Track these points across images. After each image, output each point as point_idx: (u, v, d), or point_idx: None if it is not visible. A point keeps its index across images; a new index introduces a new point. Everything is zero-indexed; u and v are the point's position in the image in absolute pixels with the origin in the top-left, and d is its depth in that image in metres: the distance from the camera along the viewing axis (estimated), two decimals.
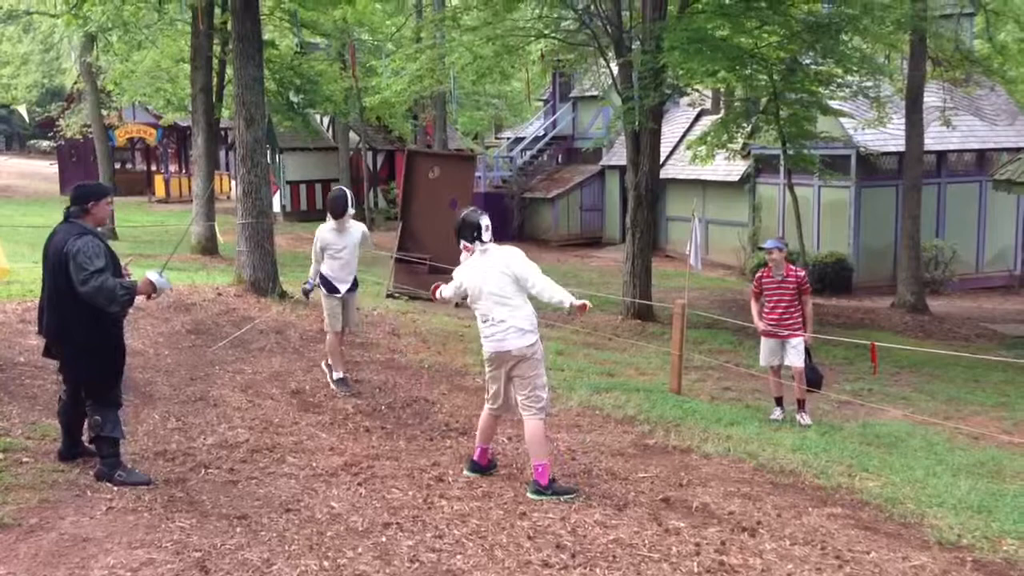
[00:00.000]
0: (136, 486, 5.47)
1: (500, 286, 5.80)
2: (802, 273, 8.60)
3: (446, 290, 6.24)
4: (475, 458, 6.17)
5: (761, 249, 9.08)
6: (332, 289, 8.41)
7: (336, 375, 8.41)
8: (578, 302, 5.91)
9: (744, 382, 10.36)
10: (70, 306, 5.45)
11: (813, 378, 8.52)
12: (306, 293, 8.74)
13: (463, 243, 5.92)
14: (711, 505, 5.64)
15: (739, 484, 6.14)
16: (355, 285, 8.54)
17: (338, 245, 8.32)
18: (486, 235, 5.88)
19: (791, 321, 8.41)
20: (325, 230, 8.36)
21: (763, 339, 8.62)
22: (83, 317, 5.46)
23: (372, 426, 7.24)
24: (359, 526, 5.10)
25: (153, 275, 5.59)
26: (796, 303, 8.45)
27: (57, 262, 5.44)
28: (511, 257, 5.86)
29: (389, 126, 29.46)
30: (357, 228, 8.50)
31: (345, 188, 8.71)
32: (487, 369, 6.02)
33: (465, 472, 6.12)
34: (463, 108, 31.79)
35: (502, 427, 7.12)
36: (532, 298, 5.92)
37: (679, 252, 23.12)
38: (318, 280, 8.48)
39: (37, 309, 5.84)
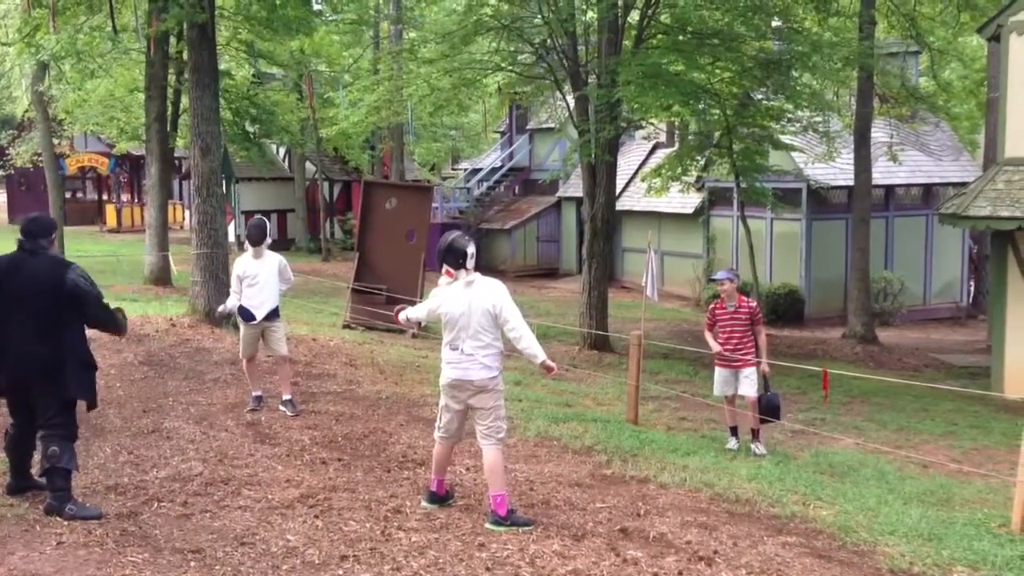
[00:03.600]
0: (87, 520, 5.37)
1: (481, 322, 5.77)
2: (754, 304, 8.74)
3: (415, 312, 6.22)
4: (432, 489, 6.14)
5: (713, 280, 9.22)
6: (248, 316, 8.52)
7: (253, 393, 8.66)
8: (550, 362, 5.97)
9: (700, 412, 10.45)
10: (66, 331, 5.55)
11: (772, 407, 8.61)
12: (220, 315, 9.05)
13: (446, 268, 5.85)
14: (668, 535, 5.67)
15: (696, 514, 6.18)
16: (276, 313, 8.62)
17: (253, 271, 8.48)
18: (470, 263, 5.85)
19: (744, 352, 8.52)
20: (243, 258, 8.61)
21: (717, 369, 8.73)
22: (79, 336, 5.62)
23: (329, 458, 7.17)
24: (315, 559, 5.04)
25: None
26: (749, 334, 8.57)
27: (52, 294, 5.49)
28: (498, 295, 5.83)
29: (346, 157, 29.45)
30: (274, 258, 8.68)
31: (264, 218, 8.96)
32: (444, 396, 5.98)
33: (423, 503, 6.09)
34: (420, 139, 31.94)
35: (460, 458, 7.11)
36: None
37: (635, 283, 23.31)
38: (235, 309, 8.59)
39: None
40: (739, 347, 8.53)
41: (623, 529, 5.75)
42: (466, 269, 5.84)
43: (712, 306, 8.85)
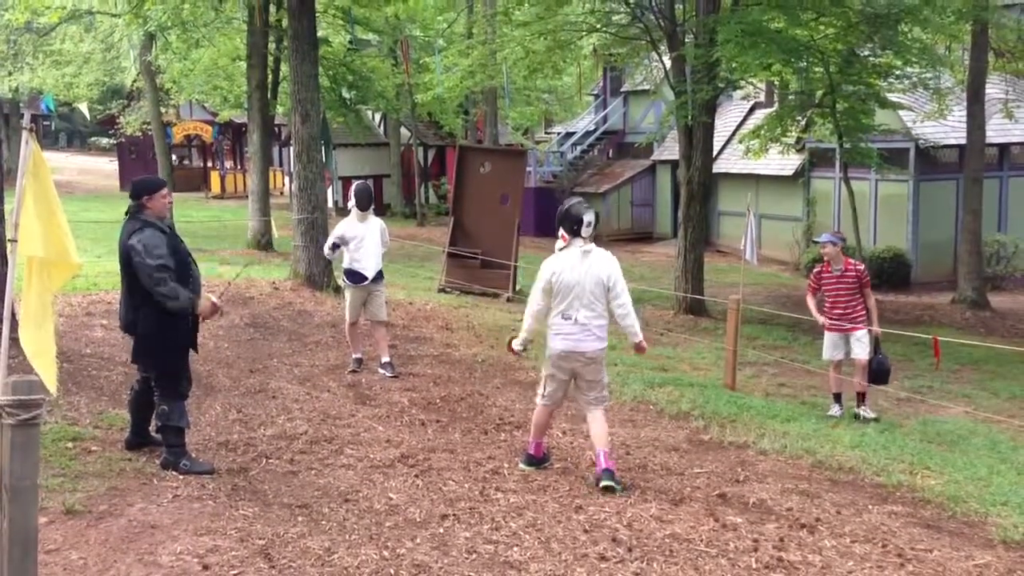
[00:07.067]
0: (200, 475, 5.60)
1: (595, 292, 5.74)
2: (861, 266, 8.49)
3: (530, 322, 5.93)
4: (530, 452, 6.18)
5: (817, 243, 9.00)
6: (358, 279, 8.64)
7: (354, 355, 8.83)
8: (644, 343, 6.00)
9: (799, 378, 10.25)
10: (135, 298, 5.63)
11: (882, 370, 8.41)
12: (330, 252, 8.82)
13: (561, 232, 5.82)
14: (768, 501, 5.59)
15: (797, 481, 6.08)
16: (381, 276, 8.79)
17: (360, 234, 8.63)
18: (586, 231, 5.77)
19: (854, 314, 8.33)
20: (348, 222, 8.74)
21: (827, 333, 8.53)
22: (146, 309, 5.61)
23: (427, 419, 7.30)
24: (417, 517, 5.15)
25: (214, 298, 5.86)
26: (857, 296, 8.36)
27: (122, 256, 5.64)
28: (612, 267, 5.81)
29: (440, 122, 29.60)
30: (376, 222, 8.84)
31: (369, 183, 9.03)
32: (550, 366, 5.94)
33: (521, 466, 6.14)
34: (514, 103, 31.80)
35: (556, 421, 7.14)
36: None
37: (731, 247, 22.90)
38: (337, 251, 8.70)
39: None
40: (847, 311, 8.34)
41: (722, 495, 5.70)
42: (581, 237, 5.76)
43: (817, 269, 8.64)
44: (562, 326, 5.80)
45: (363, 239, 8.61)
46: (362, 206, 8.65)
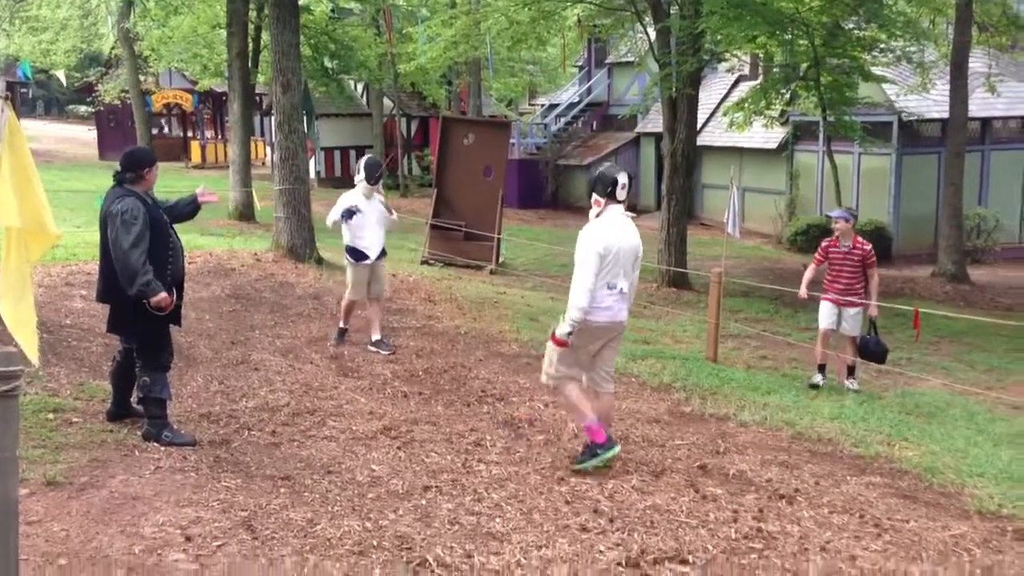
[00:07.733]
0: (182, 447, 5.59)
1: (632, 260, 5.57)
2: (868, 246, 8.54)
3: (589, 280, 5.38)
4: (595, 439, 5.55)
5: (829, 217, 9.05)
6: (362, 256, 8.49)
7: (340, 325, 8.71)
8: None
9: (781, 351, 10.32)
10: (112, 267, 5.57)
11: (872, 352, 8.49)
12: (346, 214, 8.33)
13: (595, 198, 5.51)
14: (748, 472, 5.65)
15: (776, 452, 6.14)
16: (384, 252, 8.65)
17: (366, 210, 8.41)
18: (621, 193, 5.46)
19: (853, 293, 8.41)
20: (355, 196, 8.44)
21: (823, 302, 8.62)
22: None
23: (410, 391, 7.31)
24: (399, 489, 5.17)
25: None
26: (860, 274, 8.44)
27: (104, 224, 5.59)
28: (639, 241, 5.65)
29: (423, 92, 29.38)
30: (378, 198, 8.62)
31: (378, 157, 8.80)
32: (584, 340, 5.52)
33: (585, 465, 5.54)
34: (498, 74, 31.61)
35: (539, 392, 7.16)
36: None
37: (714, 220, 22.95)
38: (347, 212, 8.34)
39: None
40: (848, 288, 8.41)
41: (702, 466, 5.75)
42: (617, 200, 5.49)
43: (825, 244, 8.68)
44: (607, 298, 5.44)
45: (367, 215, 8.39)
46: (371, 179, 8.40)
